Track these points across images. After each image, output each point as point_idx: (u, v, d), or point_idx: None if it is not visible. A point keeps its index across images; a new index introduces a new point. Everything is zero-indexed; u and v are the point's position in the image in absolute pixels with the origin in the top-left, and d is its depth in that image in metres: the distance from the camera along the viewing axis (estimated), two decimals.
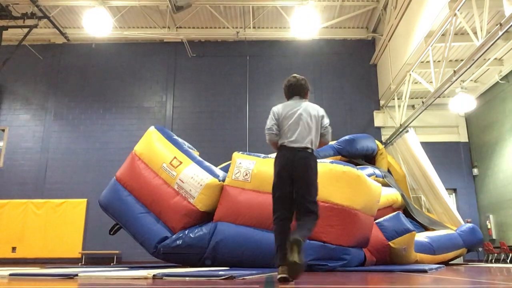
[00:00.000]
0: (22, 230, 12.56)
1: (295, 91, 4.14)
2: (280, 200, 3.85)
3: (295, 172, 3.79)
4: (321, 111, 4.06)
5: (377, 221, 7.35)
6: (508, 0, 7.61)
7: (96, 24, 11.87)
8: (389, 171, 10.67)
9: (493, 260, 11.77)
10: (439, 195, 10.15)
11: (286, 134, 3.90)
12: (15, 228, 12.57)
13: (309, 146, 3.85)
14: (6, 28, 12.11)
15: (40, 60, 14.03)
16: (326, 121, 4.05)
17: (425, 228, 9.50)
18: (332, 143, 9.92)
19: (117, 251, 12.18)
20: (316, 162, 3.94)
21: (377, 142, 10.92)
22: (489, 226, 12.17)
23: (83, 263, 12.18)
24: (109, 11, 12.56)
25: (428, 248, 7.96)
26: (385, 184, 9.24)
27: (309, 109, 3.99)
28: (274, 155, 7.08)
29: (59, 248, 12.39)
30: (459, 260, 10.90)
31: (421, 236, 8.27)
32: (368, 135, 10.89)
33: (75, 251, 12.34)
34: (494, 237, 12.04)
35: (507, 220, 11.51)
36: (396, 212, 7.78)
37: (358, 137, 10.16)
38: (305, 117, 3.93)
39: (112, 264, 11.97)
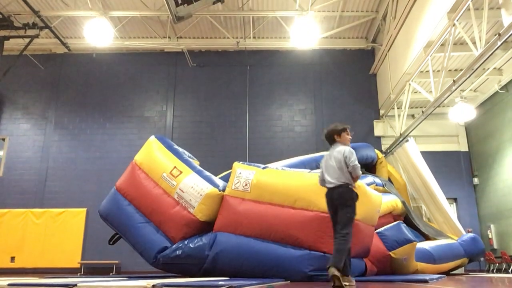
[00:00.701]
0: (21, 239, 12.51)
1: (327, 141, 5.15)
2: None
3: (336, 205, 4.74)
4: (345, 153, 4.81)
5: (378, 230, 7.33)
6: (506, 11, 7.68)
7: (97, 34, 11.94)
8: (389, 180, 10.66)
9: (494, 270, 11.69)
10: (440, 204, 10.14)
11: (325, 178, 4.91)
12: (14, 238, 12.51)
13: (341, 183, 4.73)
14: (7, 38, 12.17)
15: (41, 70, 14.10)
16: (352, 159, 4.76)
17: (426, 237, 9.46)
18: None
19: (116, 261, 12.12)
20: (351, 194, 4.75)
21: (376, 151, 10.93)
22: (490, 236, 12.11)
23: (82, 273, 12.11)
24: (110, 21, 12.64)
25: (428, 257, 7.92)
26: (385, 192, 9.23)
27: (336, 154, 4.88)
28: (272, 165, 7.08)
29: (58, 258, 12.33)
30: (460, 270, 10.83)
31: (422, 245, 8.23)
32: (368, 144, 10.91)
33: (74, 261, 12.28)
34: (495, 246, 11.98)
35: (508, 229, 11.46)
36: (397, 222, 7.76)
37: (357, 146, 10.16)
38: (332, 162, 4.87)
39: (111, 274, 11.90)
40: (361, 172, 4.87)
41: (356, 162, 4.75)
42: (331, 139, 5.06)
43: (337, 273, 4.16)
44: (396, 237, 7.24)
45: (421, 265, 7.67)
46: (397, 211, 8.98)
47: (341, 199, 4.70)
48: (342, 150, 4.85)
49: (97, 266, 12.29)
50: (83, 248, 12.46)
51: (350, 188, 4.75)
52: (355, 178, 4.80)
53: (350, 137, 5.15)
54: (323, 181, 4.97)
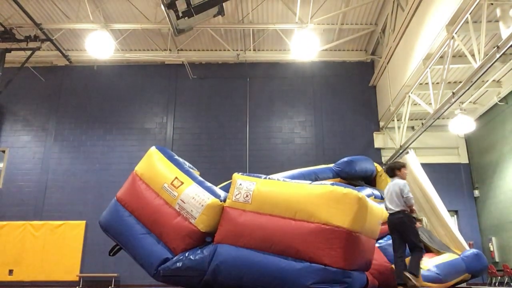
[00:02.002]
0: (19, 252, 12.41)
1: (388, 174, 6.78)
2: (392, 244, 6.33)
3: (396, 228, 6.16)
4: (400, 185, 6.16)
5: (380, 244, 7.28)
6: (504, 24, 7.74)
7: (98, 46, 12.00)
8: None
9: (496, 283, 11.59)
10: (441, 217, 10.06)
11: (386, 206, 6.31)
12: (13, 251, 12.42)
13: (399, 209, 6.08)
14: (9, 50, 12.25)
15: (42, 82, 14.15)
16: (405, 191, 6.11)
17: (428, 250, 9.35)
18: (330, 165, 9.89)
19: (115, 274, 12.02)
20: (409, 218, 6.08)
21: (375, 164, 10.84)
22: (491, 249, 12.02)
23: (80, 286, 12.00)
24: (112, 34, 12.73)
25: (437, 279, 7.84)
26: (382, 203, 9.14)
27: (393, 186, 6.26)
28: (274, 175, 7.06)
29: (57, 271, 12.22)
30: (462, 284, 10.72)
31: (429, 265, 8.12)
32: (366, 157, 10.82)
33: (73, 274, 12.17)
34: (497, 259, 11.89)
35: (510, 242, 11.39)
36: None
37: (356, 159, 10.11)
38: (391, 192, 6.26)
39: (110, 287, 11.80)
40: (414, 201, 6.08)
41: (410, 194, 6.07)
42: (393, 173, 6.52)
43: (409, 275, 5.74)
44: None
45: (426, 283, 7.59)
46: None
47: (403, 224, 6.03)
48: (398, 183, 6.19)
49: (96, 279, 12.19)
50: (82, 261, 12.37)
51: (407, 213, 6.01)
52: (409, 207, 6.05)
53: (407, 172, 6.55)
54: (386, 209, 6.30)
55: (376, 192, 9.42)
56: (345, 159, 9.93)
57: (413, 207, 6.17)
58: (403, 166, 6.50)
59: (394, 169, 6.46)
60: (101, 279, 12.15)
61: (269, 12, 12.62)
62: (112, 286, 11.91)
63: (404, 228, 6.04)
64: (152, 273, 6.12)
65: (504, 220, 11.60)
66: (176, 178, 6.42)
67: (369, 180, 10.63)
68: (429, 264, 8.20)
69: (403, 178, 6.42)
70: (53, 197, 13.07)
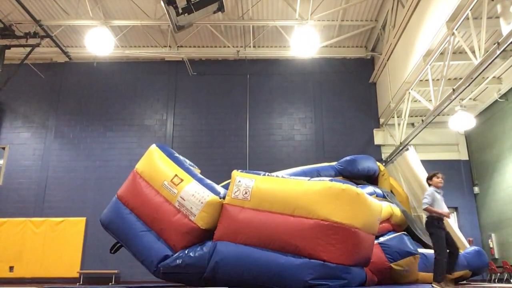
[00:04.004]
0: (20, 249, 12.43)
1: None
2: None
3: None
4: (424, 193, 6.79)
5: (380, 240, 7.30)
6: (504, 20, 7.71)
7: (98, 43, 11.96)
8: (392, 192, 10.59)
9: (496, 280, 11.61)
10: None
11: None
12: (13, 247, 12.44)
13: (426, 215, 6.70)
14: (9, 47, 12.22)
15: (41, 79, 14.13)
16: (423, 197, 6.69)
17: (429, 248, 9.36)
18: (333, 163, 9.89)
19: (115, 271, 12.04)
20: (433, 223, 6.53)
21: (378, 163, 10.83)
22: (491, 245, 12.03)
23: (81, 282, 12.03)
24: (111, 30, 12.70)
25: (424, 264, 7.83)
26: (383, 201, 9.15)
27: None
28: (275, 173, 7.06)
29: (57, 268, 12.25)
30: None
31: (421, 251, 8.15)
32: (369, 156, 10.82)
33: (74, 270, 12.20)
34: (496, 256, 11.90)
35: (509, 238, 11.40)
36: (400, 233, 7.74)
37: (359, 157, 10.10)
38: None
39: (110, 284, 11.82)
40: (425, 207, 6.50)
41: (425, 201, 6.53)
42: (427, 183, 6.95)
43: (436, 285, 5.99)
44: (397, 249, 7.21)
45: (421, 275, 7.61)
46: (396, 219, 8.90)
47: (427, 229, 6.61)
48: (426, 191, 6.73)
49: (96, 275, 12.21)
50: (82, 258, 12.39)
51: (430, 219, 6.49)
52: (425, 210, 6.54)
53: (440, 180, 6.78)
54: None
55: (378, 191, 9.44)
56: (348, 157, 9.89)
57: (434, 210, 6.45)
58: (433, 175, 6.87)
59: (427, 180, 6.97)
60: (101, 276, 12.17)
61: (269, 8, 12.58)
62: (113, 282, 11.94)
63: (429, 232, 6.60)
64: (152, 270, 6.15)
65: (503, 216, 11.60)
66: (176, 175, 6.43)
67: (372, 179, 10.63)
68: (422, 250, 8.20)
69: (437, 186, 6.78)
70: (53, 194, 13.08)
